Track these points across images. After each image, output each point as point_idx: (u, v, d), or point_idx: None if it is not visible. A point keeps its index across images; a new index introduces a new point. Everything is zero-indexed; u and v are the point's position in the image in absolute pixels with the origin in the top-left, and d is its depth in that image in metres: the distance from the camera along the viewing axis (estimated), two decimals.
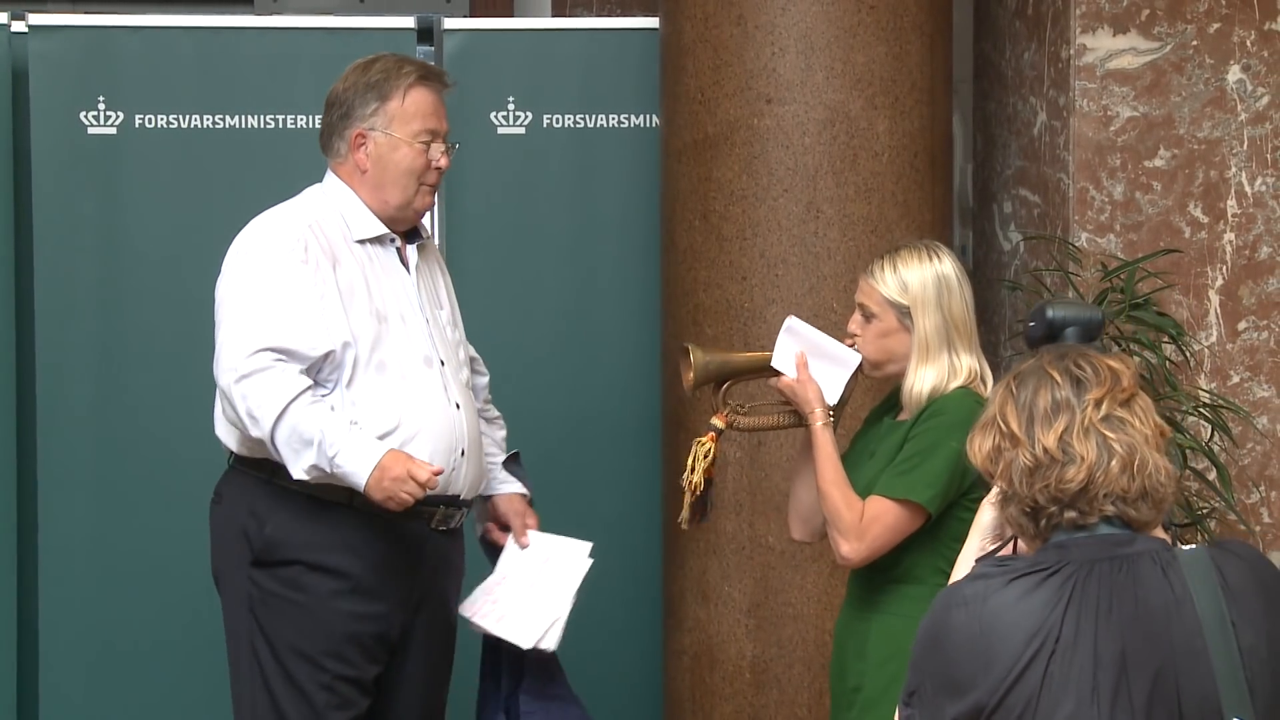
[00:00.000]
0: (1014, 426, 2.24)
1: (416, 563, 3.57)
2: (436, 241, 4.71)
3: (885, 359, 3.29)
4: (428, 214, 3.79)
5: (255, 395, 3.39)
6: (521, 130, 4.71)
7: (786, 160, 4.18)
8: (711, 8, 4.22)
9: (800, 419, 3.33)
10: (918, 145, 4.25)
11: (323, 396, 3.46)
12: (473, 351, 3.86)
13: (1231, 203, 4.53)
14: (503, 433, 3.89)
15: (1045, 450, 2.21)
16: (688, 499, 3.39)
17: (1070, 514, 2.21)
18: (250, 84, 4.62)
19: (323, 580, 3.49)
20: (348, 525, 3.47)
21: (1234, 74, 4.53)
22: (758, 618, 4.23)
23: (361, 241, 3.57)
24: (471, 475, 3.63)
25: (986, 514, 2.40)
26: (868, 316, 3.29)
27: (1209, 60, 4.52)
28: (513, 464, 3.85)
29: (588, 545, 3.75)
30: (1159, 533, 2.26)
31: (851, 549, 3.19)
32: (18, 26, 4.58)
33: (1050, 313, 2.56)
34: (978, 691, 2.15)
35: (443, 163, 3.62)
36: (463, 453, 3.59)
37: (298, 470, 3.40)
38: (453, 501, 3.59)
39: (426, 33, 4.69)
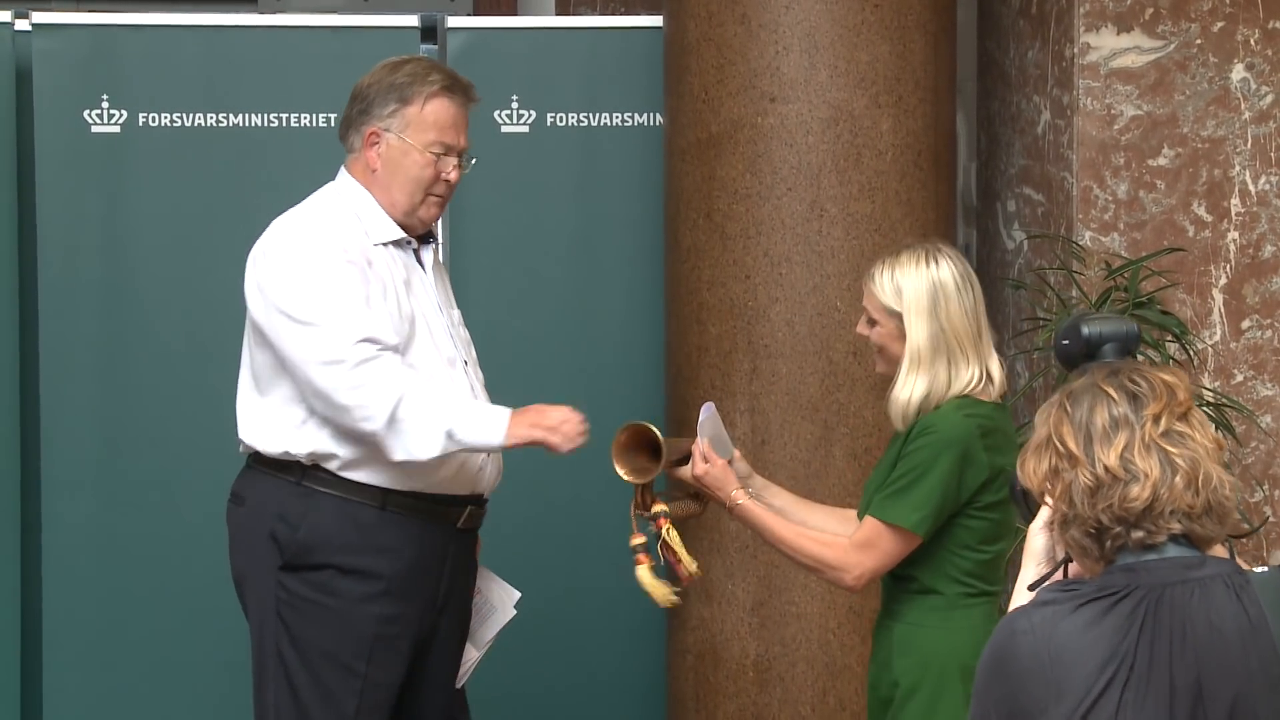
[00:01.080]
0: (1072, 446, 2.17)
1: (442, 562, 3.54)
2: (441, 240, 4.72)
3: (893, 365, 3.28)
4: None
5: (372, 383, 3.32)
6: (525, 129, 4.71)
7: (790, 159, 4.18)
8: (715, 6, 4.22)
9: (704, 502, 3.38)
10: (921, 144, 4.25)
11: None
12: None
13: (1235, 201, 4.53)
14: None
15: (1107, 469, 2.14)
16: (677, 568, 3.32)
17: (1137, 534, 2.14)
18: (254, 83, 4.62)
19: (355, 584, 3.44)
20: (381, 527, 3.44)
21: (1238, 72, 4.53)
22: (761, 616, 4.22)
23: (382, 244, 3.52)
24: (493, 473, 3.61)
25: (1038, 540, 2.30)
26: (870, 322, 3.28)
27: (1213, 59, 4.52)
28: None
29: (517, 594, 3.73)
30: (1219, 549, 2.21)
31: (853, 578, 3.19)
32: (22, 25, 4.58)
33: (1086, 329, 2.47)
34: None
35: (453, 176, 3.54)
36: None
37: (424, 446, 3.34)
38: (477, 500, 3.58)
39: (430, 31, 4.69)
